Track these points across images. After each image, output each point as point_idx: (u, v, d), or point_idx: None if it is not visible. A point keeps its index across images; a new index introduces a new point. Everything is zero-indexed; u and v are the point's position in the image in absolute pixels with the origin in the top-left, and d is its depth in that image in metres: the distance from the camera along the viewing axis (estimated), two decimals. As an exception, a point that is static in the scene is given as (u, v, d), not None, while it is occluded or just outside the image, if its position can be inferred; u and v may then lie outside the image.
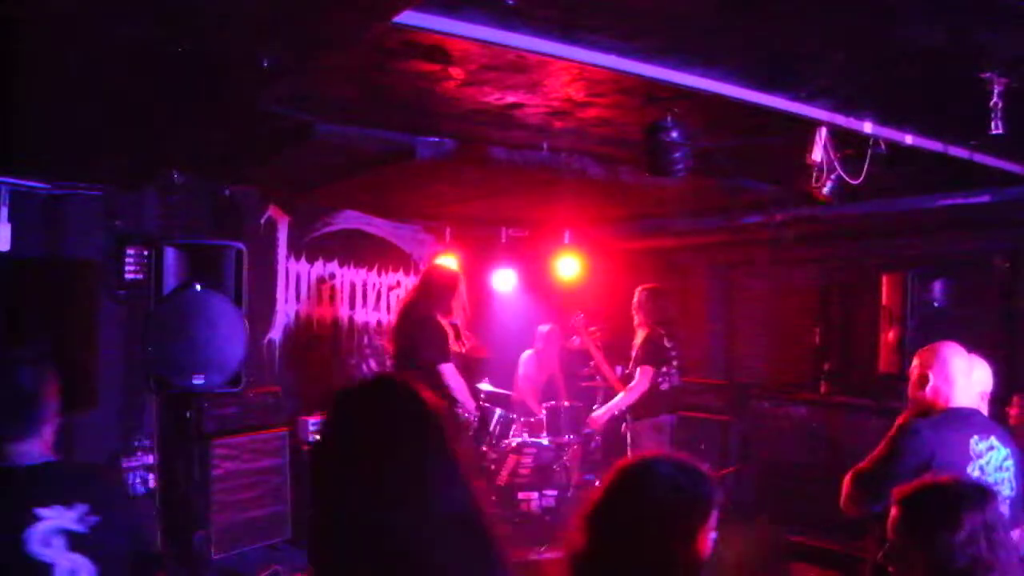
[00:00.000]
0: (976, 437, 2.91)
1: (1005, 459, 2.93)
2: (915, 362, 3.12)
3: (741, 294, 7.59)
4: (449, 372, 5.42)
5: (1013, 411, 4.07)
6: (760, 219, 6.40)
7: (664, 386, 5.92)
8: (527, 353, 7.61)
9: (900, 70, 3.17)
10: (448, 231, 7.97)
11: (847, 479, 2.98)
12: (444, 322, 5.57)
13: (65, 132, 4.01)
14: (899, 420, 3.07)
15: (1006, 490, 2.88)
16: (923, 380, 3.05)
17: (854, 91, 3.46)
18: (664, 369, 5.91)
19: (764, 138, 3.99)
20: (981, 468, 2.88)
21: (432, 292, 5.68)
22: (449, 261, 7.58)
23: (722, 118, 3.81)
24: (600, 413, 6.07)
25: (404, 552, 1.40)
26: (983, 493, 2.06)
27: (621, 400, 5.96)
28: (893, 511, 2.08)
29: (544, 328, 7.57)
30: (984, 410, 3.14)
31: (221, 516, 5.56)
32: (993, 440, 2.93)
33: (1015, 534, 2.71)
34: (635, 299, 6.05)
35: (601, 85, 3.48)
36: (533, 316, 7.97)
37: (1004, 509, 2.81)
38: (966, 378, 3.02)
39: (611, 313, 6.93)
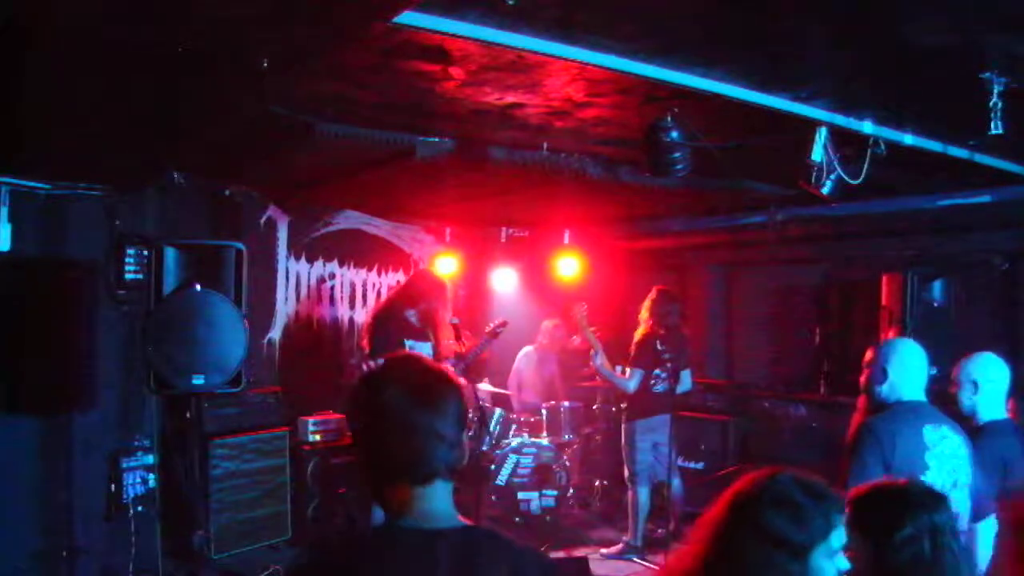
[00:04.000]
0: (929, 427, 2.96)
1: (959, 447, 2.97)
2: (867, 358, 3.16)
3: (741, 294, 7.59)
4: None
5: (1010, 414, 4.07)
6: (760, 219, 6.41)
7: (657, 388, 5.92)
8: (527, 349, 7.61)
9: (900, 70, 3.17)
10: (448, 231, 7.98)
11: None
12: (413, 321, 5.66)
13: (65, 132, 4.01)
14: (854, 422, 3.12)
15: (963, 478, 2.93)
16: (874, 374, 3.11)
17: (854, 91, 3.46)
18: (656, 372, 5.91)
19: (764, 138, 3.99)
20: (938, 456, 2.93)
21: (409, 294, 5.76)
22: (449, 261, 7.60)
23: (722, 118, 3.81)
24: (599, 363, 6.02)
25: None
26: (934, 497, 2.08)
27: (617, 380, 5.96)
28: (846, 510, 2.11)
29: (549, 324, 7.57)
30: None
31: (221, 516, 5.57)
32: (945, 429, 2.98)
33: (986, 522, 2.78)
34: (649, 297, 6.09)
35: (601, 85, 3.48)
36: (533, 316, 7.98)
37: (964, 496, 2.86)
38: (917, 372, 3.06)
39: (611, 313, 6.93)
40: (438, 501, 1.63)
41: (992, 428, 3.33)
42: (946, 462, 2.93)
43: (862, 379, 3.18)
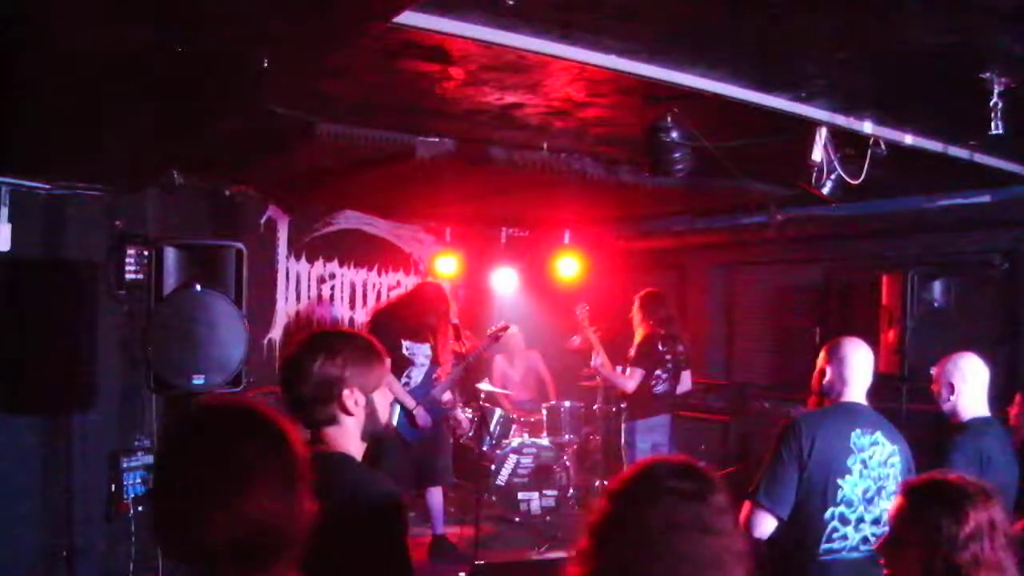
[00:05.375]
0: (859, 431, 2.94)
1: (891, 455, 2.96)
2: (820, 356, 3.16)
3: (741, 294, 7.59)
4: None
5: (1013, 411, 4.08)
6: (760, 219, 6.40)
7: (658, 388, 5.92)
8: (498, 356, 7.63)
9: (900, 70, 3.17)
10: (448, 231, 7.98)
11: (745, 506, 2.91)
12: (413, 324, 5.68)
13: (65, 132, 4.01)
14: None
15: (891, 486, 2.91)
16: (821, 374, 3.11)
17: (854, 91, 3.46)
18: (657, 372, 5.91)
19: (764, 138, 3.99)
20: (863, 462, 2.92)
21: (411, 304, 5.79)
22: (449, 261, 7.60)
23: (722, 118, 3.81)
24: (599, 363, 6.03)
25: None
26: (988, 494, 2.02)
27: (617, 379, 5.96)
28: (898, 501, 2.07)
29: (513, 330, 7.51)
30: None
31: (221, 516, 5.56)
32: (879, 436, 2.96)
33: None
34: (634, 304, 6.06)
35: (601, 85, 3.48)
36: (533, 316, 7.98)
37: (888, 505, 2.81)
38: (862, 374, 3.04)
39: (611, 313, 6.92)
40: None
41: (973, 426, 3.35)
42: (872, 469, 2.92)
43: (814, 378, 3.16)
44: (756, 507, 2.89)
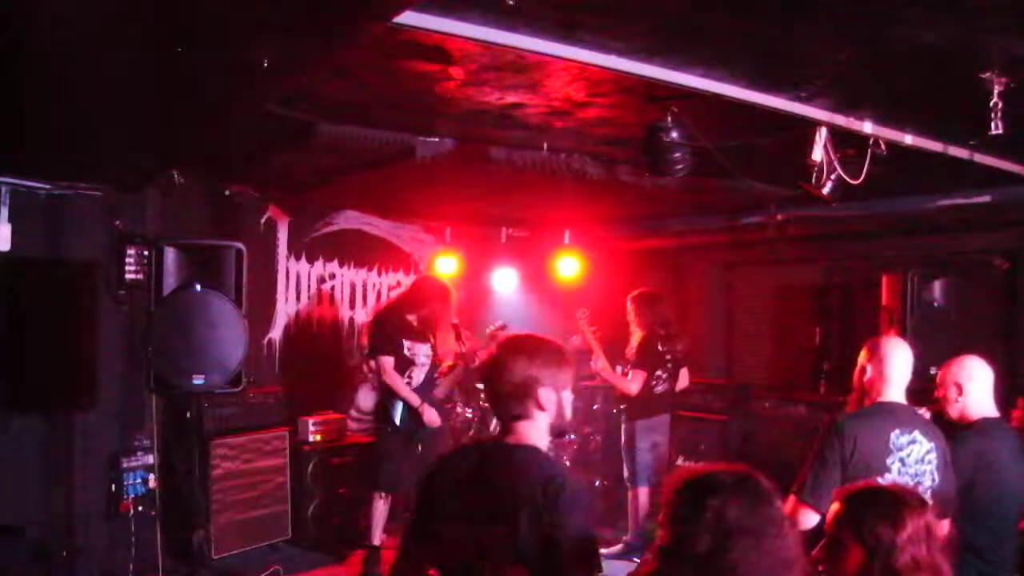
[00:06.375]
0: (897, 431, 3.01)
1: (928, 453, 3.01)
2: (860, 354, 3.22)
3: (741, 294, 7.59)
4: (385, 364, 5.58)
5: (1017, 413, 4.07)
6: (760, 219, 6.40)
7: (658, 389, 5.92)
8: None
9: (900, 70, 3.17)
10: (448, 231, 7.97)
11: (790, 502, 2.97)
12: (414, 324, 5.69)
13: (65, 132, 4.01)
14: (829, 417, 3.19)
15: (927, 481, 2.98)
16: (862, 372, 3.17)
17: (854, 91, 3.46)
18: (658, 372, 5.91)
19: (764, 138, 3.99)
20: (901, 460, 2.99)
21: (412, 299, 5.79)
22: (449, 261, 7.60)
23: (722, 118, 3.81)
24: (599, 366, 6.04)
25: None
26: (922, 502, 2.11)
27: (619, 382, 5.96)
28: (835, 507, 2.12)
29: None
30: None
31: (221, 516, 5.57)
32: (916, 434, 3.02)
33: (944, 524, 2.79)
34: (628, 306, 6.05)
35: (601, 85, 3.48)
36: (533, 316, 7.97)
37: (927, 499, 2.88)
38: (902, 374, 3.11)
39: (611, 313, 6.92)
40: None
41: (980, 426, 3.35)
42: (909, 467, 2.98)
43: (855, 376, 3.23)
44: (800, 504, 2.95)
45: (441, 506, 2.25)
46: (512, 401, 2.26)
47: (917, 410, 3.18)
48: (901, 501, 2.05)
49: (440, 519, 2.23)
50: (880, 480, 2.90)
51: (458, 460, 2.36)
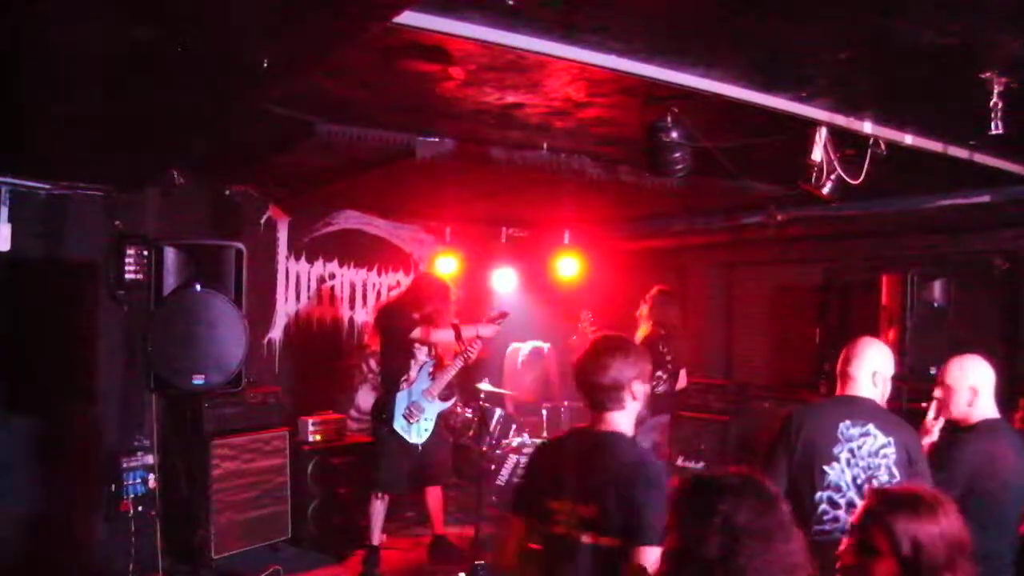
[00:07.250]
0: (848, 422, 3.10)
1: (883, 447, 3.07)
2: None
3: (741, 294, 7.59)
4: (427, 332, 5.62)
5: (1020, 414, 4.06)
6: (760, 219, 6.40)
7: (659, 389, 5.93)
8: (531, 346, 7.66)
9: (900, 70, 3.17)
10: (448, 231, 7.97)
11: None
12: (417, 319, 5.68)
13: (65, 132, 4.01)
14: None
15: (883, 476, 3.04)
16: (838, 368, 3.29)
17: (854, 91, 3.46)
18: (659, 373, 5.92)
19: (764, 138, 3.99)
20: (851, 451, 3.08)
21: (414, 296, 5.79)
22: (449, 261, 7.60)
23: (722, 118, 3.81)
24: None
25: None
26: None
27: None
28: (865, 504, 2.12)
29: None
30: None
31: (221, 516, 5.56)
32: (871, 428, 3.09)
33: None
34: (648, 296, 6.12)
35: (601, 85, 3.48)
36: (533, 316, 7.97)
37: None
38: (865, 370, 3.21)
39: (611, 313, 6.92)
40: None
41: (982, 427, 3.33)
42: (861, 459, 3.06)
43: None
44: None
45: (544, 485, 2.60)
46: (610, 393, 2.56)
47: (884, 407, 3.22)
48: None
49: (543, 497, 2.56)
50: (827, 468, 3.04)
51: (559, 445, 2.74)
